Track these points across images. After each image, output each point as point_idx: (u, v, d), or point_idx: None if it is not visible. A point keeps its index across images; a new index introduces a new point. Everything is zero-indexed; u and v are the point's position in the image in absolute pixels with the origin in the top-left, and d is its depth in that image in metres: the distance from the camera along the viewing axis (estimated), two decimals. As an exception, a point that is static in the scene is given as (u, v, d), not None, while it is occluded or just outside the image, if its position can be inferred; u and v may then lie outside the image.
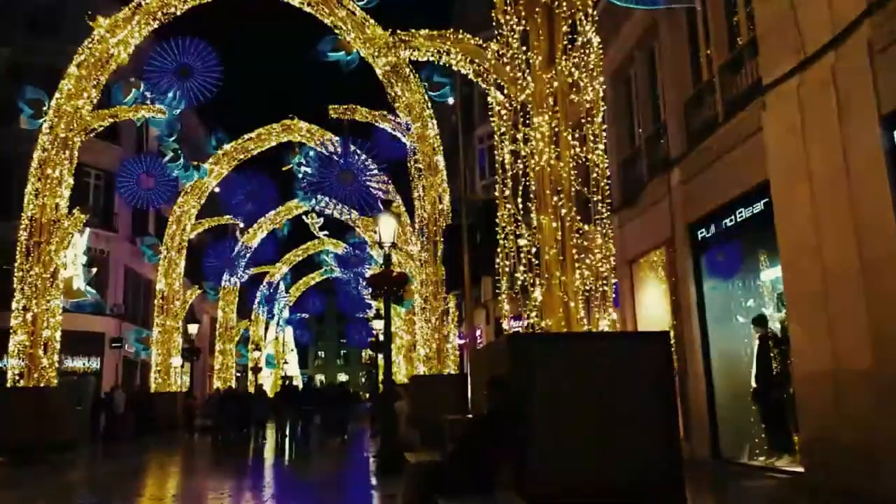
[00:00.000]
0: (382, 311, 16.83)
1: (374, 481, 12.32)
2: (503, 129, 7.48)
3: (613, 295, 7.06)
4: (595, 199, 7.21)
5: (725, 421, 11.02)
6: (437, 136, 18.37)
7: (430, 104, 18.27)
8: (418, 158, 18.54)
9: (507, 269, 7.46)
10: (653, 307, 13.50)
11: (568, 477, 5.99)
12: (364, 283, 25.99)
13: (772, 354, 10.13)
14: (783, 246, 8.80)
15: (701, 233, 11.39)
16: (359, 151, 20.16)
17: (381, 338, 24.91)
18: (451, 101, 27.30)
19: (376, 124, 19.72)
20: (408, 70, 17.89)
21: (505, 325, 7.32)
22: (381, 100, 18.88)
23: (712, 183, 10.91)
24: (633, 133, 14.24)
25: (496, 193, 7.59)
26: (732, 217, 10.46)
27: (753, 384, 10.28)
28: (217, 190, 27.38)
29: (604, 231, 7.16)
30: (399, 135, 19.35)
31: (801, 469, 8.78)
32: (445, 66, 19.04)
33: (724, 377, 11.17)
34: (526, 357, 6.01)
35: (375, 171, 20.49)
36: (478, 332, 25.65)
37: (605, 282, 7.03)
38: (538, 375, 6.01)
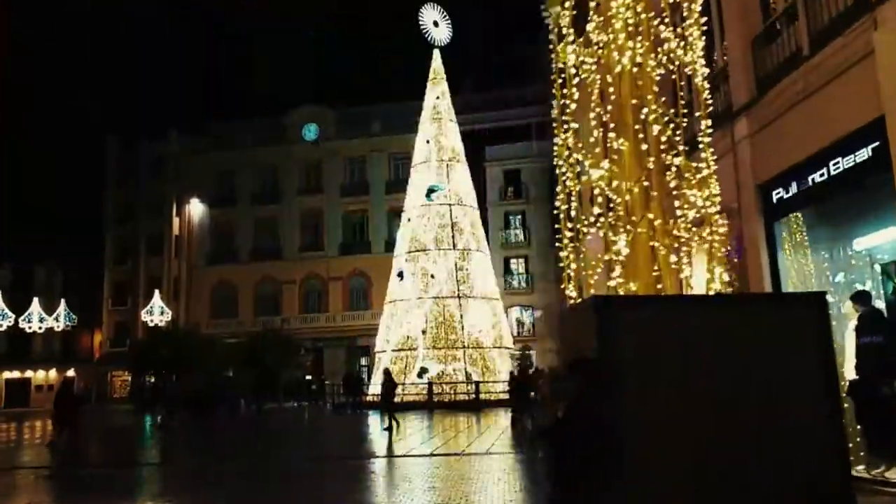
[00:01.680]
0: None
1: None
2: (564, 24, 5.45)
3: (731, 246, 5.06)
4: (695, 114, 5.20)
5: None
6: None
7: None
8: None
9: (568, 214, 5.44)
10: (702, 287, 11.50)
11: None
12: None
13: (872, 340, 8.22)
14: (907, 199, 6.94)
15: (777, 193, 9.39)
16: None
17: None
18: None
19: None
20: None
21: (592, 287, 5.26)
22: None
23: (793, 132, 8.94)
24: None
25: (554, 113, 5.56)
26: (824, 171, 8.47)
27: (852, 375, 8.33)
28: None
29: (707, 159, 5.16)
30: None
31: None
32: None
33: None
34: (621, 331, 4.01)
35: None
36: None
37: (712, 228, 5.03)
38: (638, 357, 4.02)
